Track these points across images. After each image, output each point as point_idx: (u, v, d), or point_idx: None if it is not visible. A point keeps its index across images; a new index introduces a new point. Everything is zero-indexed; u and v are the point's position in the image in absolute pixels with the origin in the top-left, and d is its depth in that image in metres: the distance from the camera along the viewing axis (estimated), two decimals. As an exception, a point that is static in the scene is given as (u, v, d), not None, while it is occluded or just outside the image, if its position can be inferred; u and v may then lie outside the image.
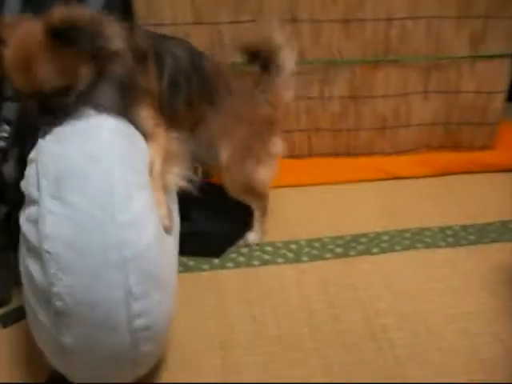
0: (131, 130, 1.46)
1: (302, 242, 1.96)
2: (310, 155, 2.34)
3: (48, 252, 1.27)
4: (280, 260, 1.89)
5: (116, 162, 1.33)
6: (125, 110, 1.45)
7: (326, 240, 1.97)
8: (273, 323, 1.66)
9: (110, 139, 1.36)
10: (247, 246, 1.96)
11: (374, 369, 1.53)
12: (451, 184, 2.27)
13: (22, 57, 1.34)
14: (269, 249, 1.94)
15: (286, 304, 1.73)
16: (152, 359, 1.46)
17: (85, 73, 1.38)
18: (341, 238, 1.98)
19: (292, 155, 2.31)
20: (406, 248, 1.94)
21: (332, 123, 2.30)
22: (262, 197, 1.95)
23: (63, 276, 1.26)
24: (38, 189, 1.31)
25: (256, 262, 1.89)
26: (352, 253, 1.92)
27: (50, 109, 1.38)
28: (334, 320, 1.67)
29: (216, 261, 1.89)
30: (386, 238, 1.98)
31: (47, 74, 1.34)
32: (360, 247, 1.94)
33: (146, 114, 1.51)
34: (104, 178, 1.30)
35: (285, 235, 2.00)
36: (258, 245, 1.95)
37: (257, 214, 1.97)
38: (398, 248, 1.94)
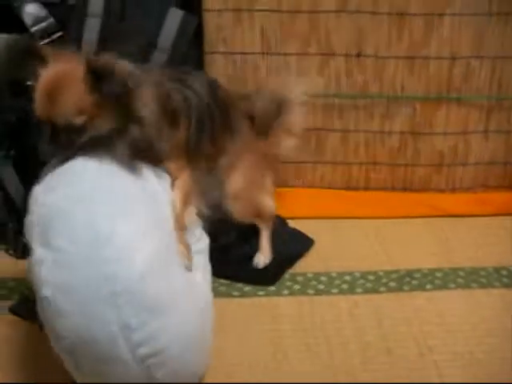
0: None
1: (357, 274, 1.97)
2: (366, 188, 2.35)
3: (44, 298, 1.31)
4: (334, 290, 1.90)
5: (99, 198, 1.34)
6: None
7: (381, 273, 1.98)
8: (326, 353, 1.67)
9: (93, 178, 1.37)
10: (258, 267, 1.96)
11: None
12: (507, 224, 2.24)
13: (52, 82, 1.36)
14: (323, 279, 1.95)
15: (340, 334, 1.74)
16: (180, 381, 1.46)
17: (103, 123, 1.38)
18: (395, 272, 1.98)
19: (349, 187, 2.33)
20: (460, 286, 1.93)
21: (390, 158, 2.31)
22: (270, 218, 1.96)
23: (60, 318, 1.31)
24: (32, 238, 1.36)
25: (311, 291, 1.90)
26: (406, 287, 1.92)
27: (58, 142, 1.38)
28: (386, 353, 1.68)
29: (271, 287, 1.90)
30: (439, 275, 1.98)
31: (68, 105, 1.35)
32: (414, 282, 1.94)
33: (169, 163, 1.52)
34: (85, 216, 1.31)
35: (339, 266, 2.00)
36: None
37: (265, 234, 1.96)
38: (451, 286, 1.93)
